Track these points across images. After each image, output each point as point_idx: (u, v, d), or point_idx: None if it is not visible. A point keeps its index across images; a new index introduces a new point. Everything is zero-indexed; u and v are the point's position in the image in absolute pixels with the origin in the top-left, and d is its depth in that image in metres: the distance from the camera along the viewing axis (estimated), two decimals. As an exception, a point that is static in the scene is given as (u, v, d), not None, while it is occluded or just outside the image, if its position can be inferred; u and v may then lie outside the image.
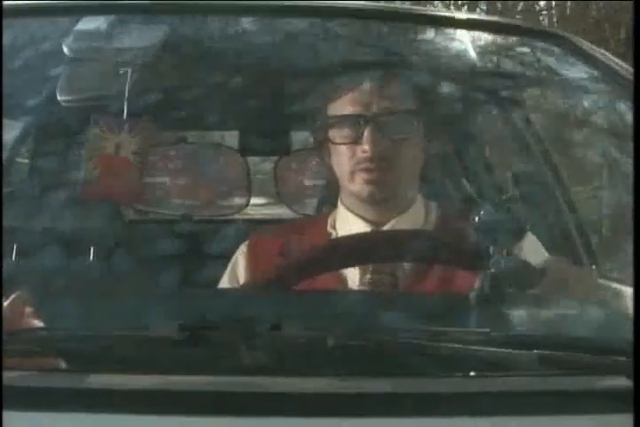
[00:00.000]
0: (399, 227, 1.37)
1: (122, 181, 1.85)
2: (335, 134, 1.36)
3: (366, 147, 1.32)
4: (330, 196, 1.50)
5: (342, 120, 1.36)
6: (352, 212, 1.40)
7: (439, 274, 1.30)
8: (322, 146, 1.42)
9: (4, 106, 1.34)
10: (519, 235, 1.05)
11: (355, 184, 1.36)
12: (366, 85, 1.35)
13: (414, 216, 1.40)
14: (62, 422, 0.80)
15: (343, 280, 1.34)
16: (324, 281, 1.25)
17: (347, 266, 1.31)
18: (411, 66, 1.51)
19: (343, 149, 1.36)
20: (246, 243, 1.45)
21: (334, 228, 1.42)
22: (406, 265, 1.34)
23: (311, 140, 1.55)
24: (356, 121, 1.34)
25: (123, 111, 1.59)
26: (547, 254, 1.38)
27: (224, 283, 1.41)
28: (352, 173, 1.35)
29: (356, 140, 1.34)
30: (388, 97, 1.35)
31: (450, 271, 1.27)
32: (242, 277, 1.40)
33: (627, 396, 0.82)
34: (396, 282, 1.34)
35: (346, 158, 1.35)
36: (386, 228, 1.38)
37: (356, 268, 1.33)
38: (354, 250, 1.25)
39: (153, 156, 2.19)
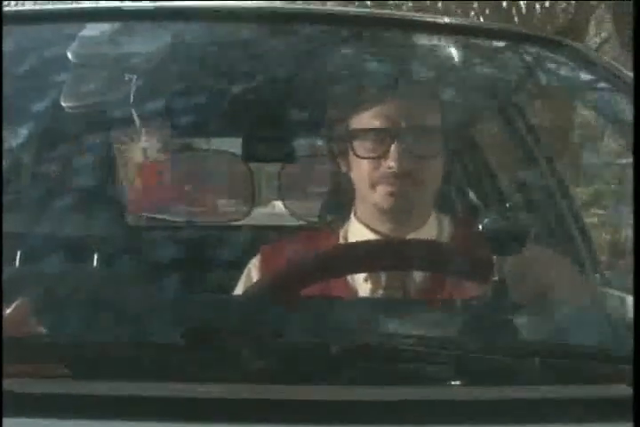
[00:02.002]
0: None
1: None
2: (359, 147, 1.34)
3: (392, 163, 1.30)
4: (343, 206, 1.48)
5: (367, 133, 1.33)
6: (366, 225, 1.38)
7: (447, 284, 1.29)
8: (340, 157, 1.40)
9: (8, 112, 1.34)
10: (525, 244, 1.05)
11: (376, 195, 1.33)
12: (393, 99, 1.33)
13: (429, 232, 1.38)
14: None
15: (353, 291, 1.33)
16: (332, 291, 1.25)
17: (353, 273, 1.31)
18: (423, 77, 1.50)
19: (365, 161, 1.33)
20: (258, 256, 1.43)
21: (346, 240, 1.40)
22: (416, 276, 1.32)
23: (315, 148, 1.54)
24: (382, 135, 1.32)
25: (126, 118, 1.59)
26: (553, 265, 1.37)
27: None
28: (374, 185, 1.33)
29: (381, 155, 1.31)
30: (415, 112, 1.33)
31: (457, 282, 1.26)
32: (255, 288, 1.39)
33: (627, 404, 0.82)
34: (407, 293, 1.33)
35: (368, 171, 1.33)
36: None
37: (367, 281, 1.33)
38: (360, 257, 1.24)
39: (158, 162, 2.20)
